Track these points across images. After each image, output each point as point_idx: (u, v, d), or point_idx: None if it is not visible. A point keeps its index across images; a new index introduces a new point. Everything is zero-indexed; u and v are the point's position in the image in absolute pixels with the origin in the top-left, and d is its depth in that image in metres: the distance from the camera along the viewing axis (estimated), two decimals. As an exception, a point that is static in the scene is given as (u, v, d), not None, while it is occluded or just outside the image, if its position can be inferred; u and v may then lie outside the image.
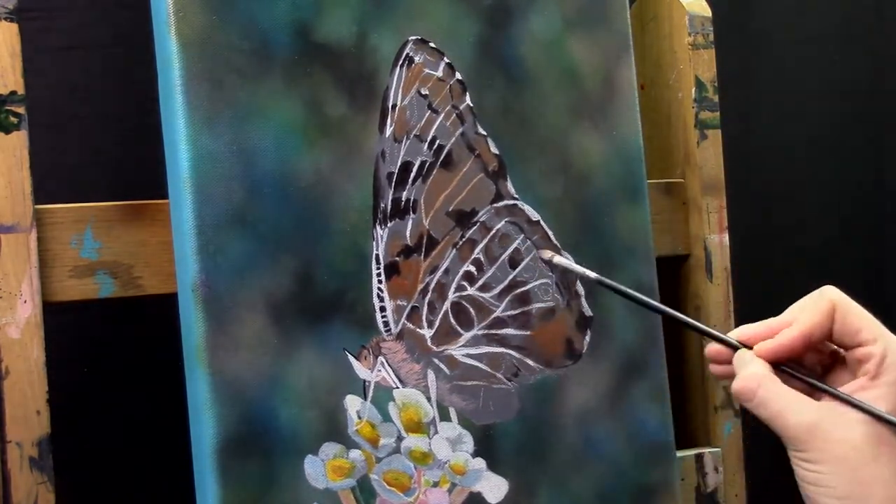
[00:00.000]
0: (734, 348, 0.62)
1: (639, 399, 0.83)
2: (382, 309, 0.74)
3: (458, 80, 0.78)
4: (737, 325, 0.94)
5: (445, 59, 0.78)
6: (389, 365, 0.74)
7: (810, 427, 0.57)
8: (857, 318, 0.59)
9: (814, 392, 0.60)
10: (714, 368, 0.63)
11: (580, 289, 0.81)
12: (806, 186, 1.21)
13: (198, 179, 0.68)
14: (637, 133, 0.86)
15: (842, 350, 0.61)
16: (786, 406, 0.58)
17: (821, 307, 0.59)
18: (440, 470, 0.75)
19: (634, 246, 0.84)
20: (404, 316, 0.75)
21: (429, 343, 0.76)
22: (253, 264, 0.70)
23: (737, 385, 0.60)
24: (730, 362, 0.62)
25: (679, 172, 0.95)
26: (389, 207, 0.75)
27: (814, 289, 0.61)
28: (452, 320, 0.76)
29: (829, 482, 0.57)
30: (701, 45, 0.94)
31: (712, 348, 0.63)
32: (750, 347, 0.61)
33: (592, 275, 0.65)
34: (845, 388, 0.59)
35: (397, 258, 0.75)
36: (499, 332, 0.78)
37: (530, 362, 0.79)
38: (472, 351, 0.77)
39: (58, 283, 0.71)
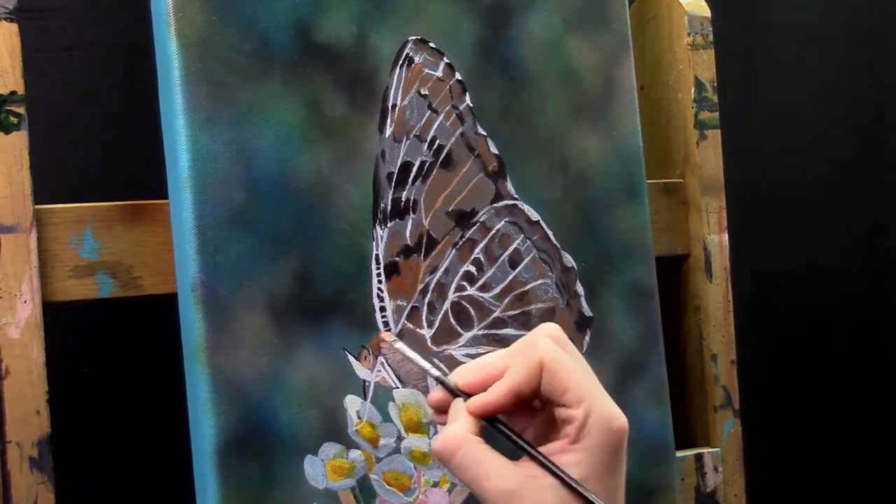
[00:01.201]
0: (453, 394, 0.59)
1: (638, 399, 0.83)
2: (382, 309, 0.74)
3: (457, 80, 0.78)
4: (736, 326, 0.95)
5: (445, 59, 0.78)
6: (389, 365, 0.74)
7: (507, 494, 0.56)
8: (563, 377, 0.57)
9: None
10: (436, 419, 0.61)
11: (580, 289, 0.81)
12: (805, 186, 1.21)
13: (198, 179, 0.68)
14: (636, 133, 0.86)
15: (550, 400, 0.59)
16: (484, 471, 0.56)
17: (530, 363, 0.57)
18: (440, 470, 0.75)
19: (634, 246, 0.85)
20: (404, 316, 0.75)
21: (429, 343, 0.76)
22: (253, 264, 0.70)
23: (436, 446, 0.58)
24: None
25: (678, 172, 0.95)
26: (389, 207, 0.75)
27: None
28: (452, 320, 0.77)
29: None
30: (700, 45, 0.94)
31: (434, 397, 0.60)
32: (468, 395, 0.59)
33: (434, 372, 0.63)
34: (545, 449, 0.57)
35: (397, 258, 0.75)
36: (499, 332, 0.78)
37: (530, 362, 0.79)
38: (472, 351, 0.77)
39: (58, 283, 0.71)
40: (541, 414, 0.60)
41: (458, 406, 0.59)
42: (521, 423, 0.60)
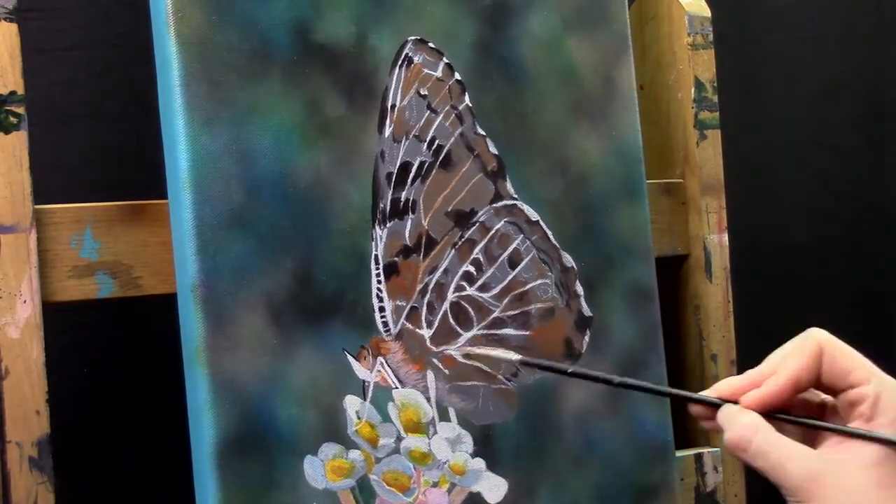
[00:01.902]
0: (715, 406, 0.59)
1: (638, 399, 0.83)
2: (381, 309, 0.74)
3: (457, 80, 0.78)
4: (736, 326, 0.95)
5: (444, 59, 0.78)
6: (389, 365, 0.74)
7: (812, 476, 0.55)
8: (847, 359, 0.57)
9: (810, 439, 0.58)
10: (706, 425, 0.60)
11: (579, 289, 0.81)
12: (805, 186, 1.21)
13: (197, 180, 0.68)
14: (636, 133, 0.86)
15: (829, 399, 0.59)
16: (785, 455, 0.56)
17: (807, 350, 0.57)
18: (439, 470, 0.75)
19: (634, 246, 0.85)
20: (403, 316, 0.75)
21: (428, 343, 0.76)
22: (252, 264, 0.70)
23: (730, 436, 0.57)
24: (710, 419, 0.59)
25: (678, 173, 0.95)
26: (388, 207, 0.75)
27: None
28: (452, 320, 0.77)
29: None
30: (700, 45, 0.94)
31: (695, 410, 0.60)
32: (735, 402, 0.58)
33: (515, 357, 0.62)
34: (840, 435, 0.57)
35: (396, 258, 0.75)
36: (498, 332, 0.78)
37: (530, 362, 0.79)
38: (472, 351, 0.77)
39: (58, 283, 0.71)
40: (807, 415, 0.59)
41: (731, 409, 0.58)
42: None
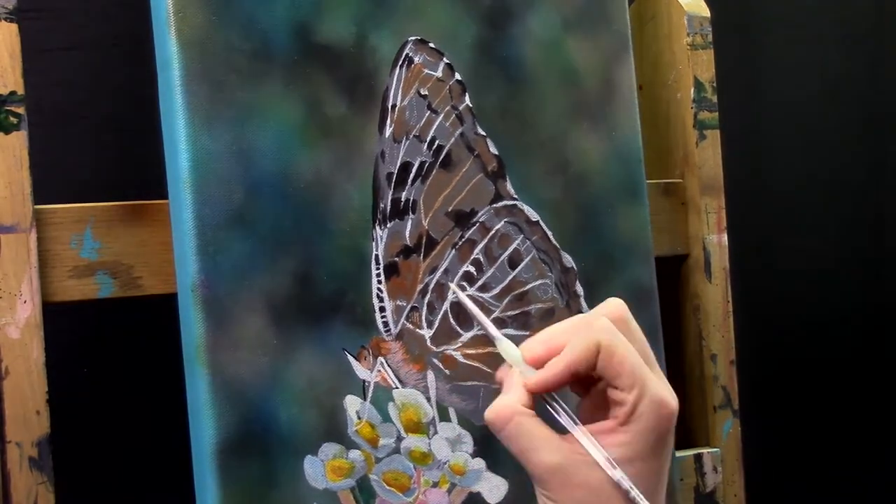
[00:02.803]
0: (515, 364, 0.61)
1: (638, 399, 0.83)
2: (382, 309, 0.74)
3: (457, 80, 0.78)
4: (736, 326, 0.95)
5: (445, 59, 0.78)
6: (389, 365, 0.74)
7: (554, 468, 0.58)
8: (618, 363, 0.58)
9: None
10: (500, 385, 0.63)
11: (579, 289, 0.81)
12: (805, 186, 1.21)
13: (197, 180, 0.68)
14: (636, 133, 0.86)
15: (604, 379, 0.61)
16: (533, 445, 0.58)
17: (587, 343, 0.58)
18: (440, 470, 0.75)
19: (634, 246, 0.85)
20: (404, 316, 0.75)
21: (428, 343, 0.76)
22: (252, 264, 0.70)
23: (488, 415, 0.60)
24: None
25: (678, 173, 0.95)
26: (389, 208, 0.75)
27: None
28: (452, 320, 0.77)
29: None
30: (700, 45, 0.94)
31: (503, 369, 0.62)
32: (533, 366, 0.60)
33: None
34: (596, 427, 0.59)
35: (397, 258, 0.75)
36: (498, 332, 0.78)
37: (530, 362, 0.79)
38: (472, 351, 0.77)
39: (58, 283, 0.71)
40: (597, 388, 0.61)
41: (514, 377, 0.61)
42: (578, 392, 0.62)
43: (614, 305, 0.61)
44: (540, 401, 0.60)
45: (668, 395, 0.59)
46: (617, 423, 0.58)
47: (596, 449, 0.58)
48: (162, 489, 0.84)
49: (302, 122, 0.72)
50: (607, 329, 0.59)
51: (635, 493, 0.57)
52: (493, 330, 0.64)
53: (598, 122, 0.84)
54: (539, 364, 0.60)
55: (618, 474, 0.58)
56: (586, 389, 0.62)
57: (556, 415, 0.60)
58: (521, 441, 0.58)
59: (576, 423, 0.60)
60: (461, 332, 0.77)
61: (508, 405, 0.59)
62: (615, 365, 0.58)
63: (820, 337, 1.21)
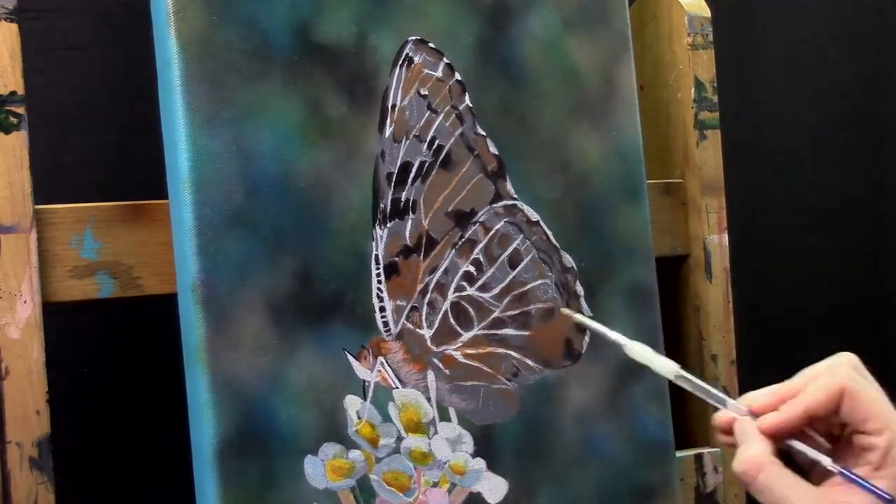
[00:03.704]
0: (736, 413, 0.61)
1: (638, 399, 0.83)
2: (382, 309, 0.74)
3: (457, 80, 0.78)
4: (736, 326, 0.94)
5: (445, 59, 0.78)
6: (389, 365, 0.74)
7: None
8: (866, 406, 0.58)
9: (815, 471, 0.59)
10: (721, 438, 0.62)
11: (579, 289, 0.81)
12: (805, 186, 1.21)
13: (198, 179, 0.68)
14: (637, 133, 0.86)
15: (849, 426, 0.60)
16: (787, 495, 0.57)
17: (829, 387, 0.58)
18: (440, 470, 0.75)
19: (634, 246, 0.84)
20: (404, 316, 0.75)
21: (428, 343, 0.76)
22: (253, 264, 0.70)
23: (738, 468, 0.59)
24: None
25: (678, 173, 0.95)
26: (389, 208, 0.75)
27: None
28: (452, 320, 0.77)
29: None
30: (700, 45, 0.94)
31: (722, 419, 0.61)
32: (755, 416, 0.60)
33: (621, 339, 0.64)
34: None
35: (397, 258, 0.75)
36: (498, 332, 0.78)
37: (530, 362, 0.79)
38: (472, 351, 0.77)
39: (58, 283, 0.71)
40: (840, 436, 0.60)
41: (747, 426, 0.60)
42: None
43: (849, 357, 0.60)
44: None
45: None
46: (871, 469, 0.57)
47: (868, 483, 0.57)
48: (162, 489, 0.84)
49: (302, 122, 0.72)
50: (851, 375, 0.58)
51: (873, 487, 0.56)
52: (717, 393, 0.63)
53: (598, 122, 0.83)
54: (766, 412, 0.59)
55: (859, 478, 0.57)
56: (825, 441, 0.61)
57: (811, 456, 0.59)
58: (775, 492, 0.57)
59: (836, 462, 0.58)
60: (461, 332, 0.77)
61: (758, 454, 0.58)
62: (864, 408, 0.57)
63: (820, 337, 1.21)
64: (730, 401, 0.61)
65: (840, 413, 0.58)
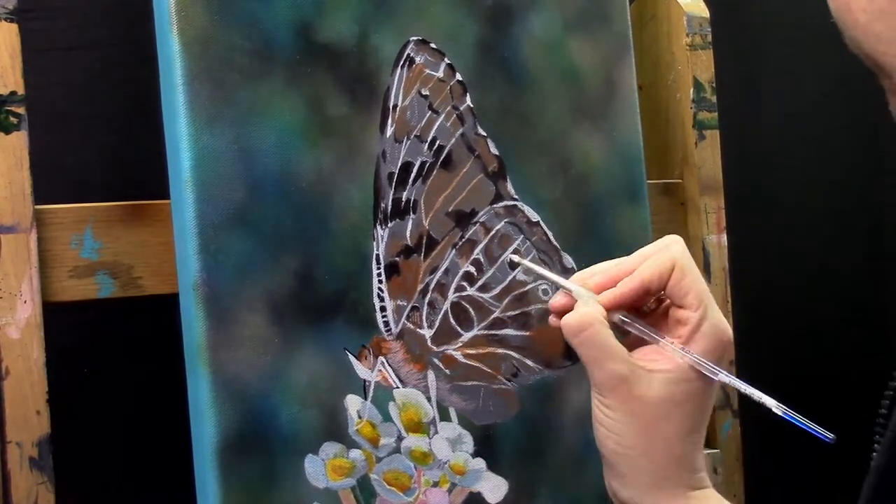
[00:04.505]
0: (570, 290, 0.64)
1: (638, 399, 0.83)
2: (383, 309, 0.74)
3: (458, 80, 0.78)
4: (736, 326, 0.94)
5: (446, 59, 0.78)
6: (390, 365, 0.74)
7: (619, 378, 0.60)
8: (690, 282, 0.62)
9: (635, 340, 0.63)
10: (552, 321, 0.65)
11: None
12: (804, 186, 1.21)
13: (199, 179, 0.68)
14: (637, 134, 0.86)
15: (667, 301, 0.64)
16: (604, 354, 0.61)
17: (663, 262, 0.62)
18: (440, 470, 0.75)
19: (634, 246, 0.84)
20: (404, 316, 0.75)
21: (429, 343, 0.76)
22: (254, 264, 0.70)
23: (569, 319, 0.62)
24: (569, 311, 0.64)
25: (677, 173, 0.95)
26: (390, 207, 0.75)
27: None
28: (452, 320, 0.77)
29: (620, 431, 0.61)
30: (699, 45, 0.94)
31: (558, 302, 0.64)
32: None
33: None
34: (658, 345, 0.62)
35: (397, 258, 0.75)
36: (498, 332, 0.78)
37: (530, 363, 0.79)
38: (472, 351, 0.77)
39: (58, 283, 0.71)
40: (649, 316, 0.64)
41: (586, 296, 0.63)
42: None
43: (675, 237, 0.64)
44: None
45: (726, 324, 0.62)
46: (680, 342, 0.61)
47: (682, 352, 0.61)
48: (162, 489, 0.84)
49: (303, 122, 0.72)
50: (683, 252, 0.62)
51: (737, 382, 0.61)
52: (551, 276, 0.67)
53: (598, 123, 0.84)
54: (603, 290, 0.63)
55: (713, 369, 0.60)
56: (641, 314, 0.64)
57: (632, 329, 0.62)
58: (594, 349, 0.61)
59: (656, 333, 0.62)
60: (461, 332, 0.77)
61: (589, 313, 0.61)
62: (687, 284, 0.61)
63: (820, 337, 1.21)
64: (567, 281, 0.64)
65: (667, 286, 0.62)
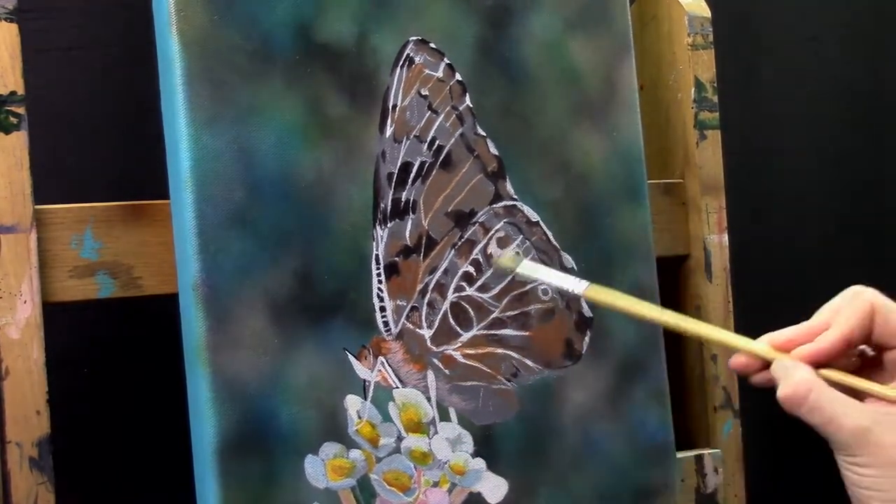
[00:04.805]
0: (767, 358, 0.60)
1: (638, 400, 0.83)
2: (382, 309, 0.74)
3: (458, 80, 0.78)
4: (736, 326, 0.95)
5: (446, 59, 0.78)
6: (389, 365, 0.74)
7: (862, 431, 0.56)
8: None
9: (854, 395, 0.59)
10: (753, 379, 0.61)
11: (580, 289, 0.81)
12: (805, 187, 1.21)
13: (199, 179, 0.68)
14: (637, 134, 0.86)
15: (870, 351, 0.60)
16: (838, 411, 0.57)
17: (859, 308, 0.58)
18: (440, 470, 0.75)
19: (634, 246, 0.85)
20: (404, 316, 0.75)
21: (428, 343, 0.76)
22: (253, 264, 0.70)
23: (786, 391, 0.58)
24: (756, 372, 0.61)
25: (678, 173, 0.95)
26: (389, 208, 0.75)
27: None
28: (452, 321, 0.77)
29: (882, 486, 0.56)
30: (700, 45, 0.94)
31: (738, 361, 0.61)
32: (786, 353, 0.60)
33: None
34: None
35: (397, 258, 0.75)
36: (498, 332, 0.78)
37: (530, 363, 0.79)
38: (472, 351, 0.77)
39: (58, 283, 0.71)
40: (848, 366, 0.60)
41: (787, 361, 0.59)
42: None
43: (864, 288, 0.60)
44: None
45: None
46: None
47: None
48: (162, 489, 0.84)
49: (303, 122, 0.72)
50: (874, 293, 0.58)
51: None
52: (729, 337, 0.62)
53: (598, 123, 0.83)
54: (793, 347, 0.59)
55: None
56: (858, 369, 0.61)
57: (851, 383, 0.59)
58: (826, 409, 0.57)
59: (874, 384, 0.58)
60: (461, 332, 0.77)
61: (805, 378, 0.58)
62: (894, 322, 0.58)
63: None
64: (751, 341, 0.60)
65: (873, 331, 0.58)
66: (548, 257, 0.80)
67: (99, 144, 0.87)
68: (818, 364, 0.59)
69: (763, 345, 0.60)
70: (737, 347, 0.61)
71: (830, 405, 0.57)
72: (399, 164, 0.75)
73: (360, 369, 0.73)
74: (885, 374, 0.59)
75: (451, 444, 0.76)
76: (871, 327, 0.58)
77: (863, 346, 0.60)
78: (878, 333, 0.58)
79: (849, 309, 0.58)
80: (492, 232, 0.78)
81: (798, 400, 0.58)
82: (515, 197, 0.80)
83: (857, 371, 0.60)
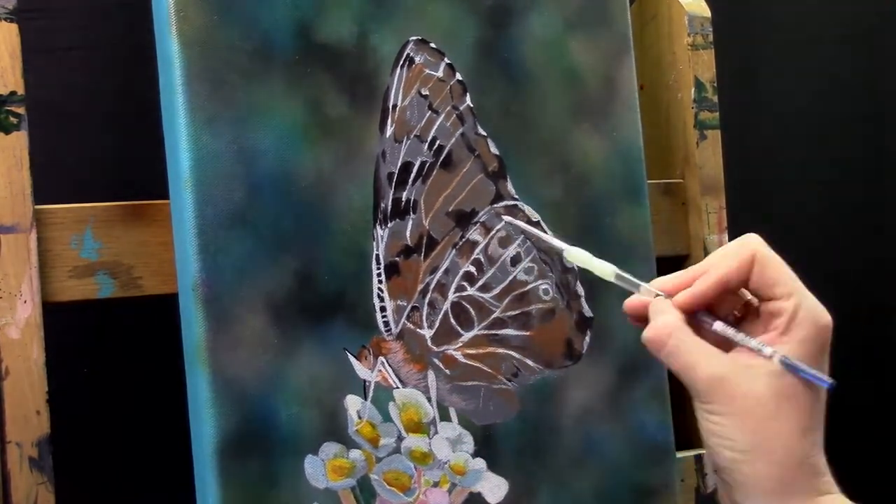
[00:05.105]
0: (649, 296, 0.61)
1: (639, 400, 0.83)
2: (383, 309, 0.74)
3: (458, 80, 0.78)
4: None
5: (446, 59, 0.78)
6: (390, 365, 0.74)
7: (717, 380, 0.57)
8: (775, 271, 0.58)
9: (725, 342, 0.59)
10: (634, 323, 0.62)
11: (580, 289, 0.81)
12: (805, 187, 1.21)
13: (199, 179, 0.68)
14: (637, 134, 0.86)
15: (755, 300, 0.60)
16: (695, 358, 0.57)
17: (740, 256, 0.58)
18: (440, 470, 0.75)
19: (635, 246, 0.84)
20: (404, 316, 0.75)
21: (429, 343, 0.76)
22: (253, 264, 0.70)
23: (648, 334, 0.59)
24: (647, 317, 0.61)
25: (678, 173, 0.95)
26: (390, 207, 0.75)
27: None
28: (452, 320, 0.76)
29: (732, 435, 0.57)
30: (700, 45, 0.94)
31: (631, 303, 0.62)
32: (670, 296, 0.60)
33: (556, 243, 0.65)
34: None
35: (397, 258, 0.75)
36: (499, 332, 0.78)
37: (530, 363, 0.79)
38: (472, 351, 0.77)
39: (58, 283, 0.71)
40: (732, 311, 0.60)
41: (660, 304, 0.60)
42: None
43: (753, 234, 0.60)
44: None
45: (823, 308, 0.59)
46: (777, 334, 0.57)
47: (771, 348, 0.57)
48: (162, 489, 0.84)
49: (303, 122, 0.72)
50: (761, 243, 0.59)
51: (813, 373, 0.57)
52: (609, 268, 0.63)
53: (599, 123, 0.83)
54: (678, 291, 0.59)
55: (801, 364, 0.57)
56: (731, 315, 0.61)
57: (716, 330, 0.59)
58: (684, 356, 0.57)
59: (738, 332, 0.58)
60: (462, 332, 0.77)
61: (667, 322, 0.58)
62: (772, 273, 0.58)
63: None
64: (643, 284, 0.61)
65: (750, 279, 0.58)
66: (548, 257, 0.80)
67: (99, 145, 0.87)
68: (694, 308, 0.59)
69: (648, 286, 0.61)
70: (626, 284, 0.63)
71: (689, 352, 0.58)
72: (399, 163, 0.75)
73: (361, 369, 0.73)
74: (759, 325, 0.59)
75: (451, 444, 0.75)
76: (748, 276, 0.58)
77: (750, 297, 0.60)
78: (755, 282, 0.58)
79: (729, 255, 0.59)
80: (493, 232, 0.78)
81: (658, 344, 0.58)
82: (516, 196, 0.80)
83: (740, 320, 0.61)
